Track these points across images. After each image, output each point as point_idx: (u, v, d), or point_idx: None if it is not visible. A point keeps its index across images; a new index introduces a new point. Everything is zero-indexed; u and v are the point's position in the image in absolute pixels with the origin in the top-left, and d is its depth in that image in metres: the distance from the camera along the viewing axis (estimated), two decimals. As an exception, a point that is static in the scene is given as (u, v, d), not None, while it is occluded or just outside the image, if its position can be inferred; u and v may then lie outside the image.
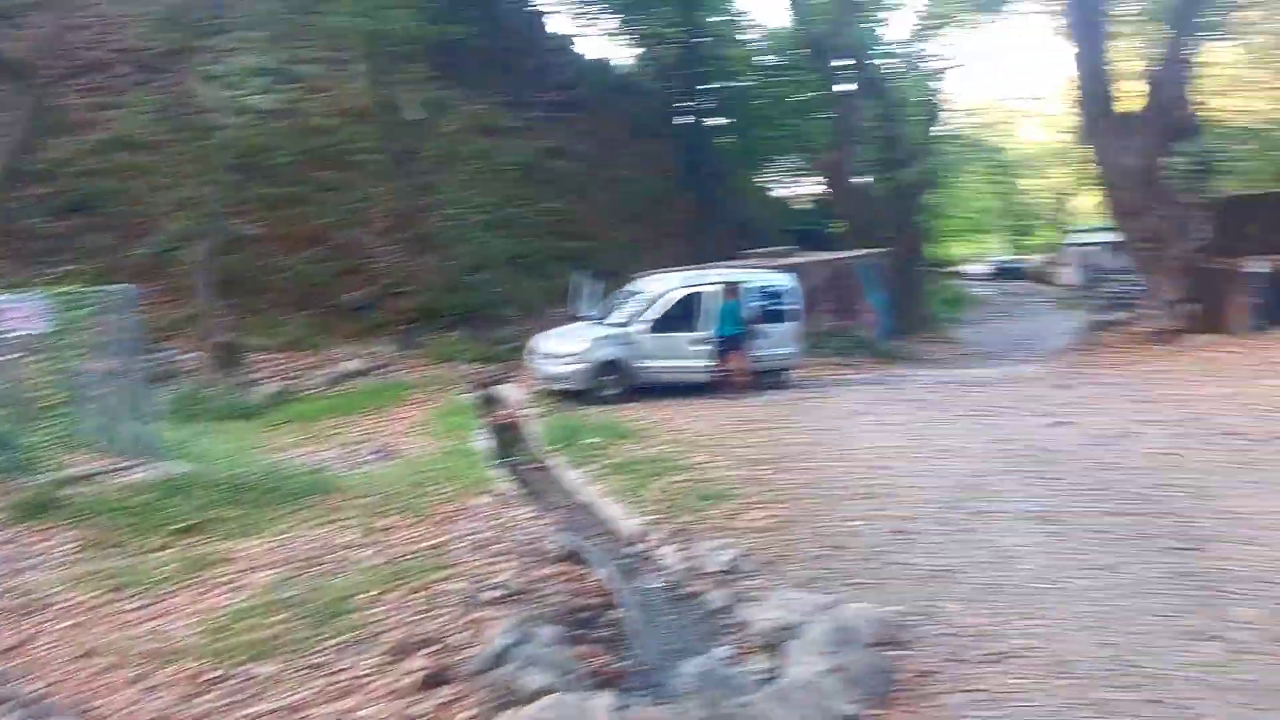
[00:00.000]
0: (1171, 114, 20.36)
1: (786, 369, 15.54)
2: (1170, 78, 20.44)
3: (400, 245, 20.16)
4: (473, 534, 7.24)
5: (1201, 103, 30.17)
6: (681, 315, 14.44)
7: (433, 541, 6.96)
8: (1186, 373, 12.51)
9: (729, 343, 14.42)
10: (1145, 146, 19.36)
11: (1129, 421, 9.79)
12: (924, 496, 7.51)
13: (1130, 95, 23.43)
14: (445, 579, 6.18)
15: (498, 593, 5.98)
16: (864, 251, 22.52)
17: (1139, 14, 28.05)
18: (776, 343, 14.96)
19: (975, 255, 56.31)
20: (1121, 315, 21.00)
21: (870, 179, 27.33)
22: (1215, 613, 4.76)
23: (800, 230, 30.13)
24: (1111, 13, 22.85)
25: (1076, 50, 20.55)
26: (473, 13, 24.50)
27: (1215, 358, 13.35)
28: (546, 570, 6.49)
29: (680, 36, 28.42)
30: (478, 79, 25.07)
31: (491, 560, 6.61)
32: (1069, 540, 6.12)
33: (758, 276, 15.71)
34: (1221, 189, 23.83)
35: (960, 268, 53.57)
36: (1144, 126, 19.59)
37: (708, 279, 15.07)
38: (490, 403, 14.27)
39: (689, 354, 14.32)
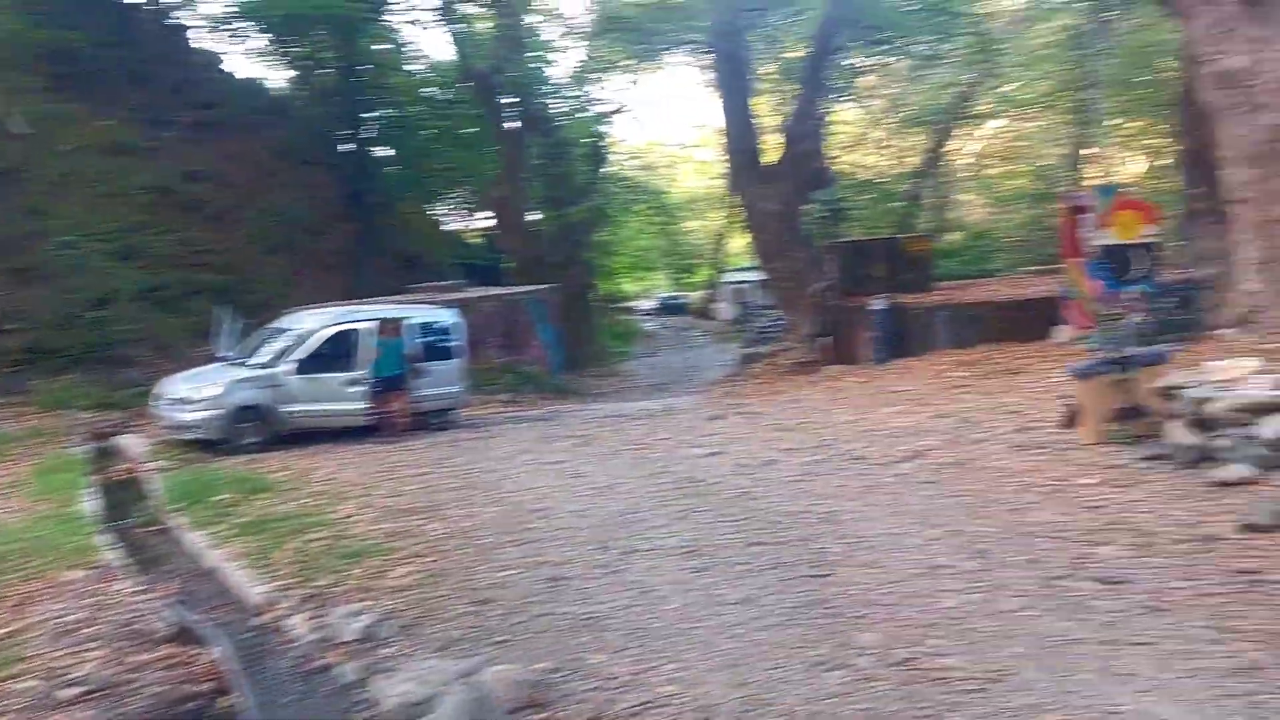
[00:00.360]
0: (807, 166, 22.37)
1: (452, 409, 15.14)
2: (804, 133, 22.45)
3: (1, 276, 17.44)
4: (58, 617, 6.14)
5: (833, 157, 33.82)
6: (334, 354, 13.63)
7: (1, 631, 5.80)
8: (821, 402, 13.55)
9: (388, 383, 13.78)
10: (784, 194, 21.07)
11: (771, 450, 10.34)
12: (579, 538, 7.38)
13: (772, 147, 25.53)
14: (11, 677, 5.13)
15: (78, 689, 5.04)
16: (534, 287, 22.66)
17: (776, 73, 30.87)
18: (441, 382, 14.51)
19: (643, 291, 58.95)
20: (768, 348, 22.60)
21: (539, 215, 27.69)
22: (841, 640, 4.92)
23: (472, 265, 29.89)
24: (754, 70, 24.82)
25: (723, 103, 22.03)
26: (99, 19, 21.98)
27: (845, 387, 14.58)
28: (148, 655, 5.60)
29: (338, 61, 27.24)
30: (106, 93, 22.43)
31: (77, 649, 5.61)
32: (712, 574, 6.20)
33: (420, 312, 15.21)
34: (850, 233, 26.63)
35: (629, 303, 55.91)
36: (783, 176, 21.31)
37: (364, 315, 14.34)
38: (107, 456, 12.55)
39: (343, 396, 13.52)
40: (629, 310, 53.99)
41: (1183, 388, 7.61)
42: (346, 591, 6.36)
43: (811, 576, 6.00)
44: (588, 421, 14.70)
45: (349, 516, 8.46)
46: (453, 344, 14.90)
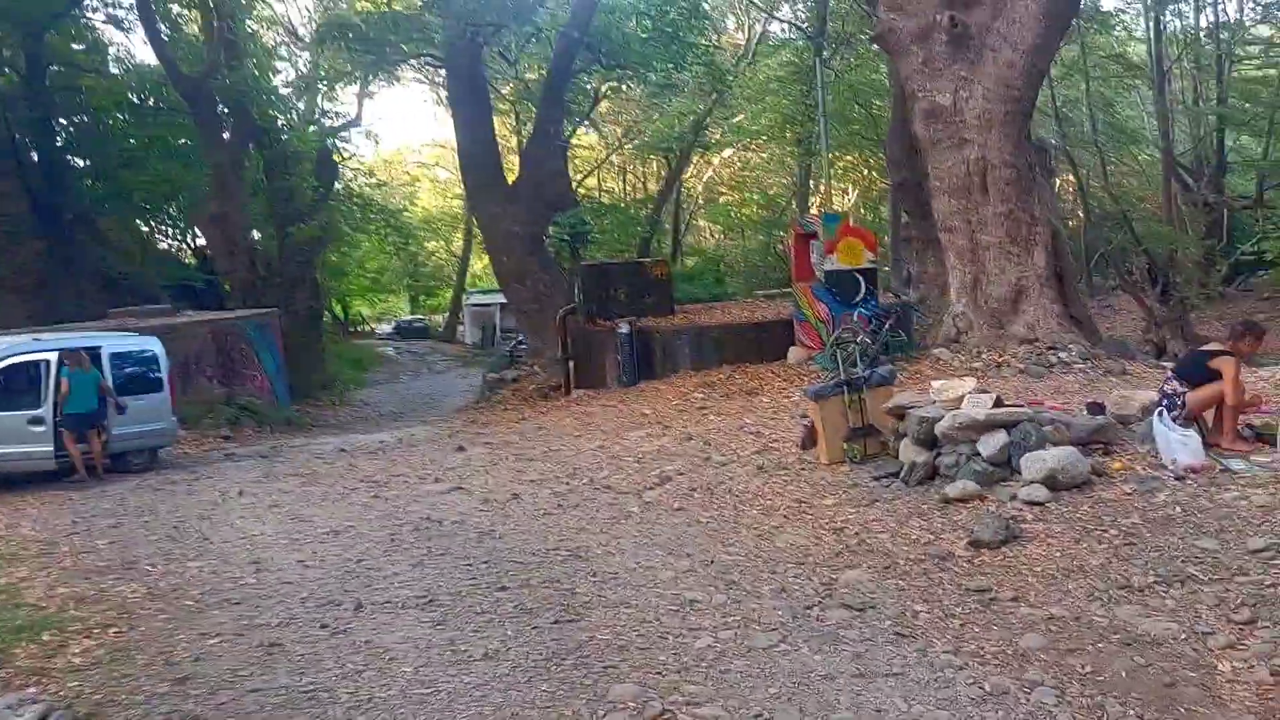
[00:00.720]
0: (548, 187, 22.31)
1: (158, 447, 13.67)
2: (544, 154, 22.40)
3: None
4: None
5: (575, 180, 34.12)
6: (14, 390, 11.91)
7: None
8: (568, 428, 13.31)
9: (80, 421, 12.19)
10: (526, 216, 20.86)
11: (517, 482, 9.93)
12: (300, 594, 6.62)
13: (513, 168, 25.30)
14: None
15: None
16: (255, 311, 21.02)
17: (514, 94, 30.77)
18: (143, 418, 13.04)
19: (381, 315, 56.89)
20: (513, 373, 22.21)
21: (261, 234, 25.87)
22: (594, 694, 4.58)
23: (189, 287, 27.42)
24: (491, 88, 24.51)
25: (459, 121, 21.55)
26: None
27: (592, 412, 14.44)
28: None
29: (22, 60, 24.15)
30: None
31: None
32: (453, 627, 5.69)
33: (118, 341, 13.61)
34: (593, 257, 26.78)
35: (365, 327, 53.71)
36: (524, 197, 21.11)
37: (52, 344, 12.63)
38: None
39: (26, 437, 11.88)
40: (365, 335, 51.91)
41: (910, 408, 7.95)
42: (11, 676, 5.32)
43: (561, 622, 5.63)
44: (316, 457, 13.66)
45: (23, 581, 7.22)
46: (157, 375, 13.42)
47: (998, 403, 7.46)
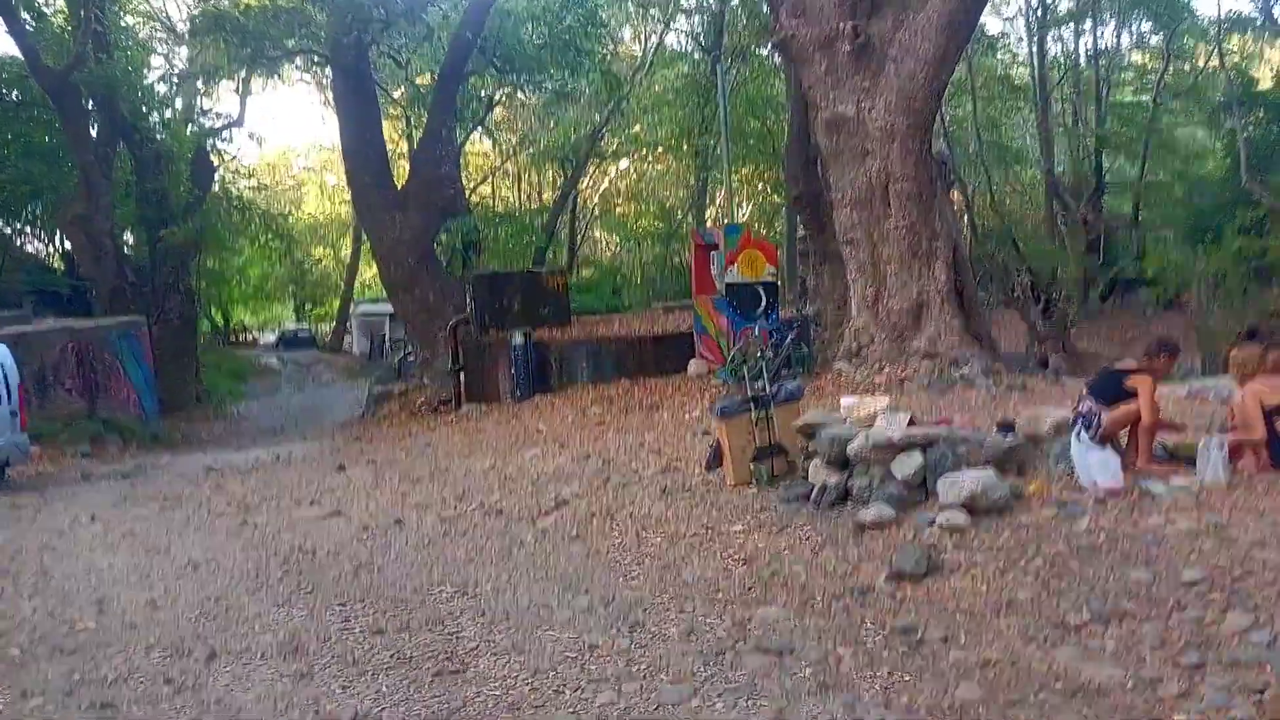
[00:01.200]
0: (439, 193, 21.48)
1: (4, 465, 12.39)
2: (435, 159, 21.58)
3: None
4: None
5: (468, 188, 33.19)
6: None
7: None
8: (458, 445, 12.59)
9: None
10: (415, 222, 19.99)
11: (401, 506, 9.18)
12: (148, 641, 5.78)
13: (404, 174, 24.36)
14: None
15: None
16: (122, 319, 19.55)
17: (402, 97, 29.74)
18: (-17, 434, 11.75)
19: (264, 324, 54.79)
20: (402, 386, 21.29)
21: (130, 237, 24.23)
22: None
23: (53, 292, 25.50)
24: (379, 89, 23.53)
25: (344, 122, 20.57)
26: None
27: (483, 428, 13.76)
28: None
29: None
30: None
31: None
32: (319, 681, 4.96)
33: (-47, 349, 12.29)
34: (487, 265, 26.00)
35: (247, 337, 51.56)
36: (413, 203, 20.23)
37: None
38: None
39: None
40: (247, 344, 49.84)
41: (820, 426, 7.53)
42: None
43: (443, 674, 4.96)
44: (183, 477, 12.58)
45: None
46: (3, 387, 12.16)
47: (912, 421, 7.09)
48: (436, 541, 7.72)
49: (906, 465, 6.81)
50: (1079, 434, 6.84)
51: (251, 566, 7.38)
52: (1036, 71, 30.21)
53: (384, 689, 4.83)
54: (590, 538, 7.32)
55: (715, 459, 8.47)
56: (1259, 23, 28.09)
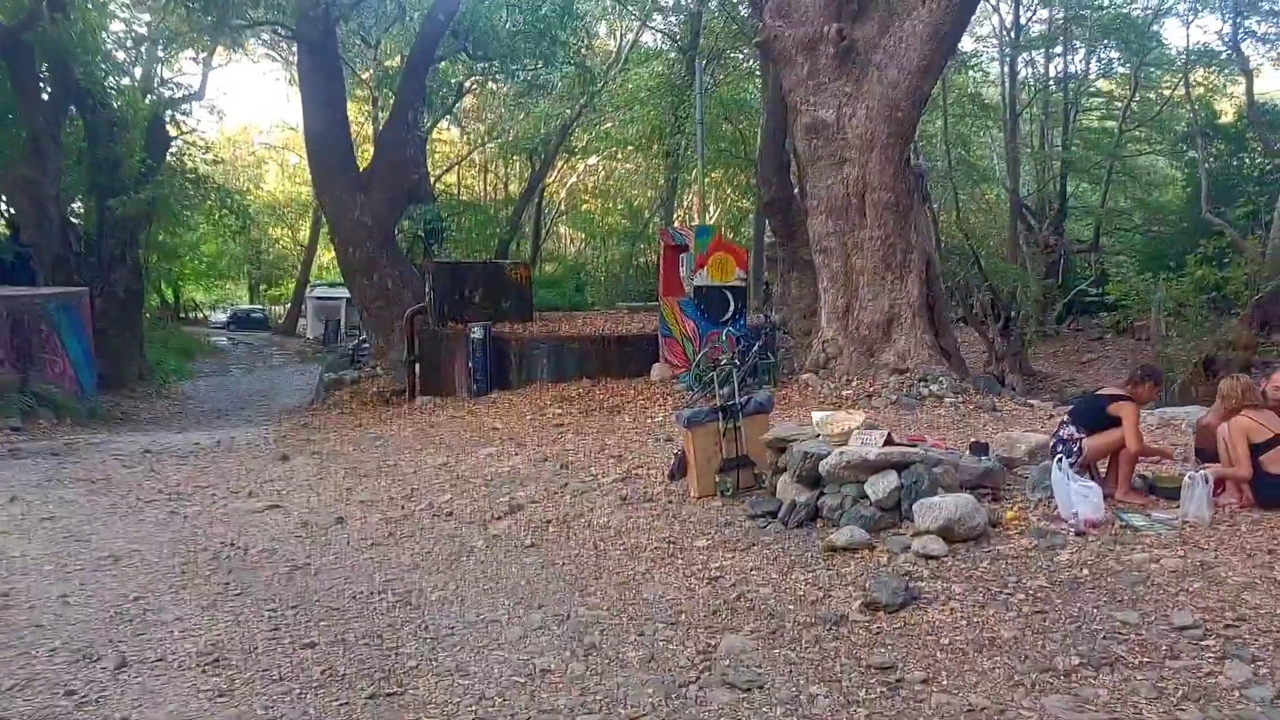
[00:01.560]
0: (403, 178, 20.88)
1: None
2: (400, 142, 20.98)
3: None
4: None
5: (433, 175, 32.51)
6: None
7: None
8: (409, 440, 12.08)
9: None
10: (377, 206, 19.39)
11: (345, 503, 8.68)
12: (54, 643, 5.27)
13: (367, 157, 23.72)
14: None
15: None
16: (61, 289, 18.70)
17: (370, 79, 29.04)
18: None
19: (215, 302, 53.66)
20: (355, 374, 20.68)
21: (79, 206, 23.29)
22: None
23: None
24: (346, 67, 22.86)
25: (308, 98, 19.89)
26: None
27: (437, 423, 13.24)
28: None
29: None
30: None
31: None
32: (239, 700, 4.48)
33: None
34: (448, 254, 25.40)
35: (197, 314, 50.39)
36: (376, 186, 19.63)
37: None
38: None
39: None
40: (198, 322, 48.68)
41: (792, 441, 7.16)
42: None
43: (378, 696, 4.50)
44: (116, 458, 11.93)
45: None
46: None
47: (889, 440, 6.74)
48: (380, 543, 7.25)
49: (881, 486, 6.46)
50: (1060, 462, 6.54)
51: (178, 562, 6.86)
52: (1007, 92, 30.24)
53: (311, 711, 4.37)
54: (545, 547, 6.89)
55: (679, 469, 8.09)
56: (1224, 56, 28.38)
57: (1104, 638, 4.71)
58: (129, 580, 6.46)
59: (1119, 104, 32.00)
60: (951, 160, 27.99)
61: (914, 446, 6.81)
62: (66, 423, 16.03)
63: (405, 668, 4.85)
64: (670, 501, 7.69)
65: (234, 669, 4.87)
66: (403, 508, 8.33)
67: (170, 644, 5.24)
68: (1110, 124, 32.23)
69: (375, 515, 8.10)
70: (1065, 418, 7.14)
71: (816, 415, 7.71)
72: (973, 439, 8.00)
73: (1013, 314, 25.92)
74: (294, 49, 22.89)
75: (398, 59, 26.88)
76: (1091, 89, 32.95)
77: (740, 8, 26.55)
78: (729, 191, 36.51)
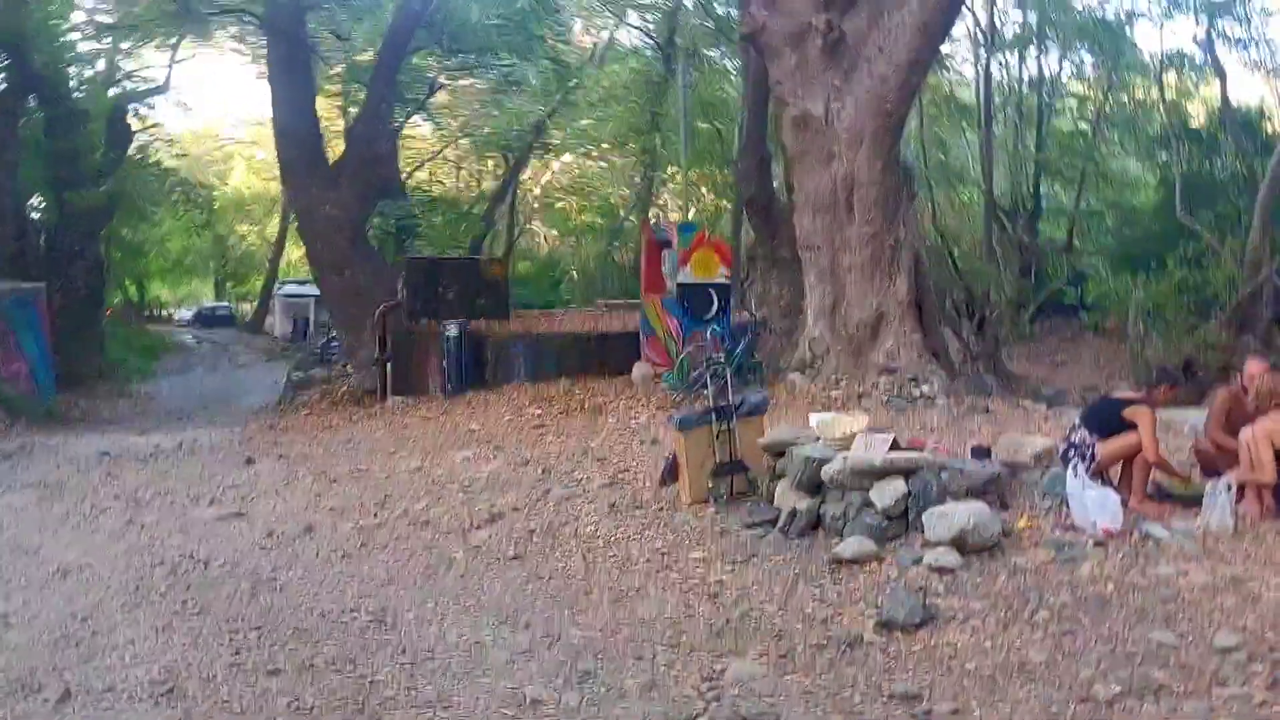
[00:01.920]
0: (375, 172, 20.34)
1: None
2: (372, 135, 20.45)
3: None
4: None
5: (405, 172, 31.85)
6: None
7: None
8: (382, 442, 11.55)
9: None
10: (348, 201, 18.86)
11: (314, 510, 8.17)
12: (-5, 667, 4.75)
13: (337, 150, 23.11)
14: None
15: None
16: (17, 284, 17.96)
17: (341, 73, 28.38)
18: None
19: (181, 299, 52.81)
20: (325, 374, 20.16)
21: (36, 199, 22.50)
22: None
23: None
24: (317, 60, 22.24)
25: (277, 90, 19.30)
26: None
27: (410, 424, 12.74)
28: None
29: None
30: None
31: None
32: (197, 739, 4.00)
33: None
34: (421, 251, 24.85)
35: (162, 312, 49.53)
36: (347, 181, 19.09)
37: None
38: None
39: None
40: (161, 320, 47.75)
41: (792, 444, 6.76)
42: None
43: (349, 732, 4.04)
44: (72, 462, 11.30)
45: None
46: None
47: (895, 445, 6.36)
48: (352, 555, 6.76)
49: (887, 493, 6.07)
50: (1074, 468, 6.18)
51: (132, 577, 6.33)
52: (982, 93, 30.06)
53: (276, 750, 3.90)
54: (530, 559, 6.44)
55: (670, 473, 7.66)
56: (1198, 60, 28.36)
57: (1142, 662, 4.34)
58: (78, 598, 5.93)
59: (1092, 107, 31.95)
60: (927, 160, 27.75)
61: (920, 451, 6.43)
62: (21, 423, 15.30)
63: (380, 697, 4.39)
64: (661, 508, 7.27)
65: (190, 699, 4.39)
66: (375, 516, 7.84)
67: (121, 671, 4.73)
68: (1084, 126, 32.17)
69: (346, 524, 7.60)
70: (1076, 421, 6.79)
71: (816, 417, 7.34)
72: (973, 443, 7.64)
73: (986, 313, 25.77)
74: (263, 40, 22.21)
75: (369, 53, 26.24)
76: (1064, 92, 32.87)
77: (717, 5, 26.21)
78: (703, 191, 36.14)
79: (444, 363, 14.77)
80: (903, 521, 6.06)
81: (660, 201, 37.57)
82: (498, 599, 5.69)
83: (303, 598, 5.83)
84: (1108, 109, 31.35)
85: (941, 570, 5.45)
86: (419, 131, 39.11)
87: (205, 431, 14.29)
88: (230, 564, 6.57)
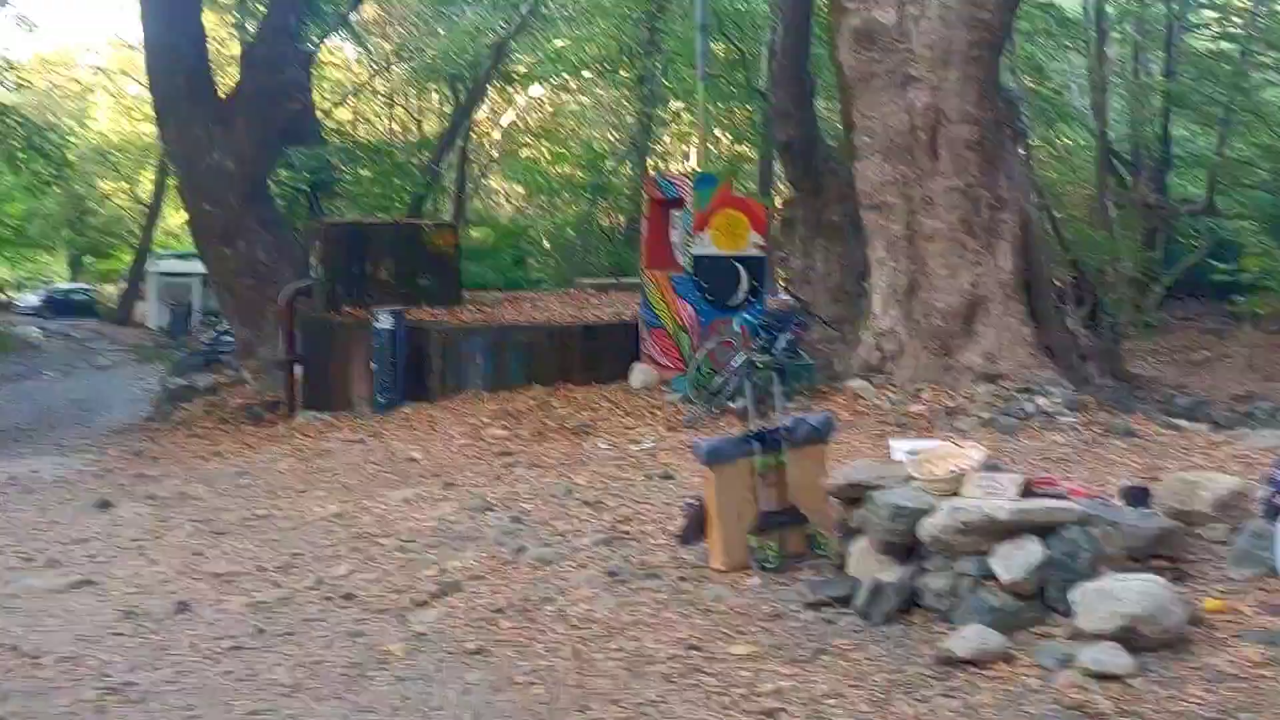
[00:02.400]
0: (278, 108, 20.25)
1: None
2: (277, 61, 20.39)
3: None
4: None
5: (321, 110, 31.57)
6: None
7: None
8: (288, 477, 11.47)
9: None
10: (243, 146, 18.76)
11: (192, 577, 7.78)
12: None
13: (231, 79, 22.97)
14: None
15: None
16: None
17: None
18: None
19: (26, 279, 52.97)
20: (210, 379, 20.18)
21: None
22: None
23: None
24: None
25: (150, 4, 19.11)
26: None
27: (328, 451, 12.57)
28: None
29: None
30: None
31: None
32: None
33: None
34: (342, 214, 24.57)
35: (1, 295, 49.85)
36: (242, 119, 18.94)
37: None
38: None
39: None
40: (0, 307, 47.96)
41: (874, 488, 6.26)
42: None
43: None
44: None
45: None
46: None
47: (1028, 490, 5.86)
48: (244, 646, 6.29)
49: (1019, 560, 5.57)
50: (1285, 520, 5.71)
51: (-77, 681, 5.82)
52: (1092, 3, 29.84)
53: None
54: (498, 655, 5.94)
55: (695, 527, 7.19)
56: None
57: None
58: None
59: (1238, 20, 31.70)
60: (1023, 93, 27.46)
61: (1065, 500, 5.94)
62: None
63: None
64: (683, 578, 6.85)
65: None
66: (278, 585, 7.49)
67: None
68: (1227, 46, 31.91)
69: (237, 598, 7.20)
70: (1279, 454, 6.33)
71: (902, 445, 6.88)
72: (1125, 482, 7.22)
73: (1102, 297, 25.45)
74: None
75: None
76: (1202, 0, 32.66)
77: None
78: (720, 136, 36.03)
79: (374, 365, 14.72)
80: (1038, 601, 5.60)
81: (660, 148, 37.37)
82: (453, 717, 5.17)
83: (171, 714, 5.32)
84: (1261, 21, 31.06)
85: (1105, 677, 4.94)
86: (340, 56, 39.00)
87: (48, 461, 14.39)
88: (70, 660, 6.11)
